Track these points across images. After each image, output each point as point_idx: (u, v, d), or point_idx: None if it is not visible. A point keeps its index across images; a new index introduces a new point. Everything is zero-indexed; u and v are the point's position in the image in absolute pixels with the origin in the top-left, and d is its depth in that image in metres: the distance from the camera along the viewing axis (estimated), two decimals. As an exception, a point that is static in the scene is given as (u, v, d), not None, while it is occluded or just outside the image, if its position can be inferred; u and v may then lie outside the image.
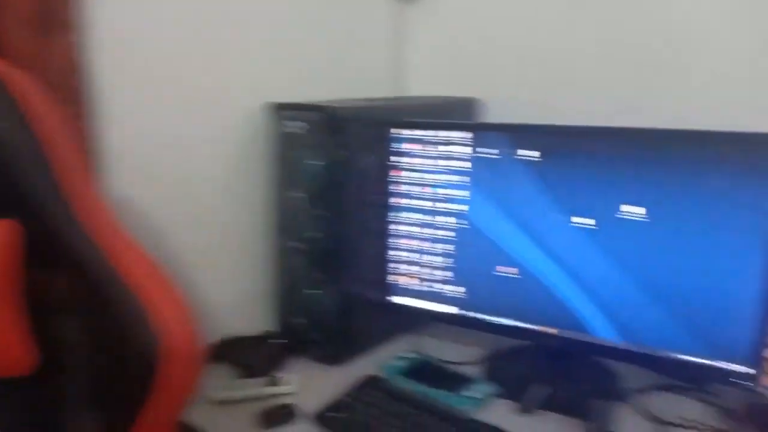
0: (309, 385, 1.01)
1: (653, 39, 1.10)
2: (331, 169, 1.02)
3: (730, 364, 0.90)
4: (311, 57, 1.19)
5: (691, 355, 0.92)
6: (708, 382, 1.01)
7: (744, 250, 0.86)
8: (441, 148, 1.04)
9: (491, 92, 1.28)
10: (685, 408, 0.97)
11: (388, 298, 1.15)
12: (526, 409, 0.95)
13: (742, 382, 0.89)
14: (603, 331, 0.97)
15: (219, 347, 1.10)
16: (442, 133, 1.04)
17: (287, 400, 0.96)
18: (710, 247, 0.88)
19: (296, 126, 1.03)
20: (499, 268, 1.03)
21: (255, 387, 0.99)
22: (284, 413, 0.93)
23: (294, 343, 1.11)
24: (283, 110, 1.06)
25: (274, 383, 1.00)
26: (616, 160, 0.91)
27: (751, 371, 0.88)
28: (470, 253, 1.05)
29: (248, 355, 1.07)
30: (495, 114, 1.28)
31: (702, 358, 0.92)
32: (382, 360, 1.09)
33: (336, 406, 0.94)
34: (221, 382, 1.00)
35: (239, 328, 1.13)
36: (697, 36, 1.06)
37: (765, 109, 1.01)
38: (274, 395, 0.98)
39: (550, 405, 0.95)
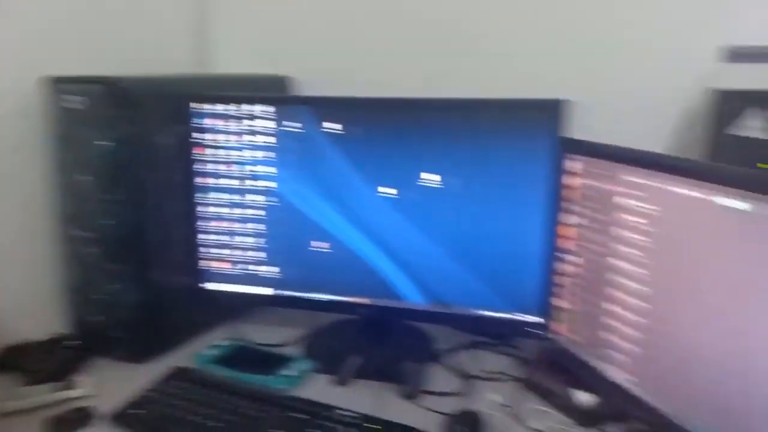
0: (111, 386, 0.92)
1: (452, 14, 1.15)
2: (121, 149, 0.93)
3: (525, 315, 0.97)
4: (102, 31, 1.08)
5: (492, 311, 0.98)
6: (510, 336, 1.08)
7: (526, 210, 0.92)
8: (245, 122, 1.00)
9: (302, 70, 1.26)
10: (491, 362, 1.03)
11: (201, 285, 1.08)
12: (342, 381, 0.95)
13: (536, 331, 0.97)
14: (412, 296, 1.00)
15: (2, 355, 0.96)
16: (246, 108, 0.99)
17: (83, 404, 0.87)
18: (499, 208, 0.94)
19: (76, 101, 0.92)
20: (313, 243, 1.02)
21: (43, 393, 0.88)
22: (79, 417, 0.84)
23: (92, 344, 1.00)
24: (62, 84, 0.94)
25: (68, 387, 0.90)
26: (413, 130, 0.94)
27: (542, 321, 0.96)
28: (283, 231, 1.03)
29: (37, 361, 0.95)
30: (307, 91, 1.26)
31: (501, 312, 0.98)
32: (198, 351, 1.03)
33: (138, 403, 0.87)
34: (5, 392, 0.88)
35: (27, 333, 1.00)
36: (492, 9, 1.12)
37: (551, 79, 1.09)
38: (68, 400, 0.88)
39: (366, 373, 0.96)
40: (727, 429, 0.67)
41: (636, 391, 0.80)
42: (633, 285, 0.79)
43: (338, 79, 1.18)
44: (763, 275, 0.62)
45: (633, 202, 0.77)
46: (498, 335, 1.09)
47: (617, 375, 0.83)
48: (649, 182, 0.75)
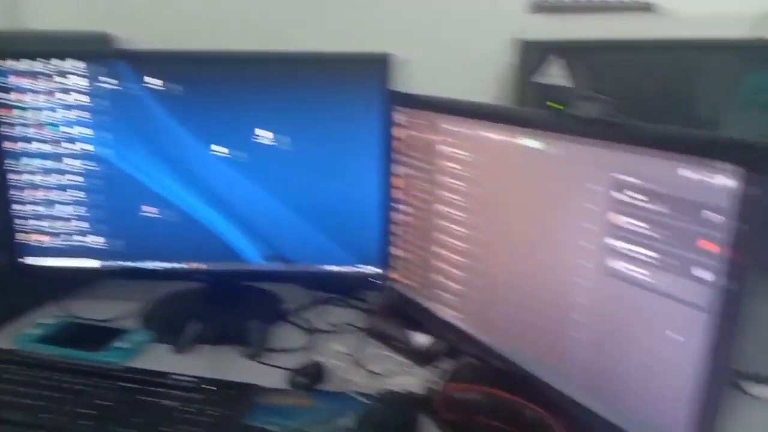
0: None
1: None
2: None
3: (367, 267, 1.00)
4: None
5: (336, 265, 1.00)
6: (355, 289, 1.10)
7: (362, 163, 0.94)
8: (57, 79, 0.92)
9: (125, 25, 1.17)
10: (339, 316, 1.05)
11: (20, 260, 0.99)
12: (180, 348, 0.92)
13: (376, 281, 1.00)
14: (254, 257, 0.99)
15: None
16: (55, 63, 0.91)
17: None
18: (335, 162, 0.95)
19: None
20: (143, 208, 0.97)
21: None
22: None
23: None
24: None
25: None
26: (240, 86, 0.91)
27: (381, 271, 0.99)
28: (107, 197, 0.96)
29: None
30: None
31: (345, 266, 0.99)
32: (20, 331, 0.95)
33: (-58, 392, 0.78)
34: None
35: None
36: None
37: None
38: None
39: (208, 339, 0.94)
40: (537, 351, 0.74)
41: (463, 326, 0.85)
42: (455, 228, 0.83)
43: (166, 36, 1.11)
44: (557, 207, 0.68)
45: (451, 149, 0.81)
46: (344, 289, 1.11)
47: (447, 314, 0.88)
48: (463, 129, 0.79)
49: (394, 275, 0.97)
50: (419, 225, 0.90)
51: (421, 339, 0.93)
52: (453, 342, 0.89)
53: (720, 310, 0.54)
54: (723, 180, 0.52)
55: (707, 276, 0.54)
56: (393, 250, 0.96)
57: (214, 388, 0.80)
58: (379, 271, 0.99)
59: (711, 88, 0.79)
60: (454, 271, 0.85)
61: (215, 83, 0.91)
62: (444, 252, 0.86)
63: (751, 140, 0.52)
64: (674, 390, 0.59)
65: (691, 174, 0.55)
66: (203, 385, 0.80)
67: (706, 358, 0.56)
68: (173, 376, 0.82)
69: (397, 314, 0.99)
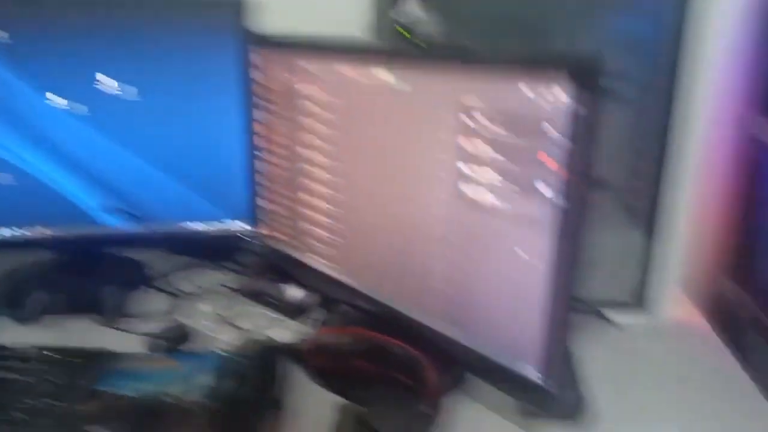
0: None
1: None
2: None
3: (236, 223, 0.94)
4: None
5: (202, 221, 0.94)
6: (225, 252, 1.05)
7: (221, 111, 0.88)
8: None
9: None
10: (209, 279, 0.99)
11: None
12: (25, 320, 0.84)
13: (247, 238, 0.95)
14: (109, 219, 0.91)
15: None
16: None
17: None
18: (195, 113, 0.88)
19: None
20: (-27, 170, 0.86)
21: None
22: None
23: None
24: None
25: None
26: (78, 30, 0.83)
27: (251, 227, 0.94)
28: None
29: None
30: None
31: (212, 222, 0.94)
32: None
33: None
34: None
35: None
36: None
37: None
38: None
39: (59, 308, 0.86)
40: (403, 289, 0.73)
41: (333, 273, 0.83)
42: (319, 172, 0.80)
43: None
44: (413, 140, 0.67)
45: (309, 88, 0.78)
46: (213, 253, 1.05)
47: (317, 262, 0.85)
48: (318, 66, 0.75)
49: (263, 230, 0.93)
50: (285, 174, 0.86)
51: (294, 292, 0.90)
52: (325, 290, 0.87)
53: (559, 229, 0.55)
54: (558, 94, 0.53)
55: (547, 192, 0.55)
56: (261, 203, 0.92)
57: (59, 357, 0.73)
58: (248, 227, 0.94)
59: (566, 27, 0.81)
60: (321, 217, 0.82)
61: (46, 27, 0.82)
62: (310, 199, 0.83)
63: (583, 53, 0.53)
64: (525, 312, 0.60)
65: (529, 91, 0.55)
66: (46, 353, 0.73)
67: (549, 277, 0.57)
68: (11, 348, 0.74)
69: (270, 270, 0.95)
